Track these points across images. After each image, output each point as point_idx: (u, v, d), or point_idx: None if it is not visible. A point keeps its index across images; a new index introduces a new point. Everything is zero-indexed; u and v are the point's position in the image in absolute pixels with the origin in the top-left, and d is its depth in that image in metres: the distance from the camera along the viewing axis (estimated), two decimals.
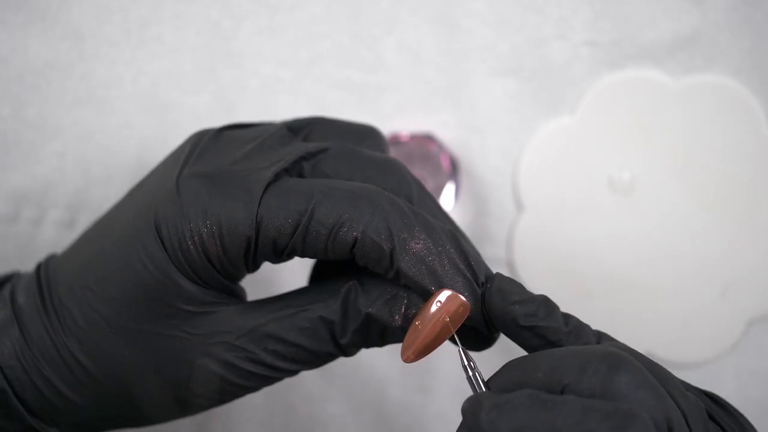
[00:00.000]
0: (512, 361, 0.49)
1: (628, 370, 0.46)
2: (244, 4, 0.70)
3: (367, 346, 0.53)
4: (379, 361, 0.73)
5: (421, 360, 0.72)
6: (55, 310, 0.53)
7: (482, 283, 0.50)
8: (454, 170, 0.70)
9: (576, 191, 0.70)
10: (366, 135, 0.57)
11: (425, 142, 0.70)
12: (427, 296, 0.50)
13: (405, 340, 0.50)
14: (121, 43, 0.69)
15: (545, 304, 0.50)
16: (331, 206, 0.50)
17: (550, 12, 0.70)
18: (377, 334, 0.52)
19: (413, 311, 0.51)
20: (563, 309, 0.72)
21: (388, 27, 0.70)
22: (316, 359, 0.53)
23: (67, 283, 0.53)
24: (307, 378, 0.73)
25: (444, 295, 0.50)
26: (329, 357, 0.53)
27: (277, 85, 0.70)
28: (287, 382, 0.72)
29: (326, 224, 0.50)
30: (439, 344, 0.50)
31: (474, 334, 0.52)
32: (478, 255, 0.52)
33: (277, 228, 0.50)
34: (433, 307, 0.50)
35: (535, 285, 0.71)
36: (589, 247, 0.71)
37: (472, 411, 0.46)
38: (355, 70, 0.70)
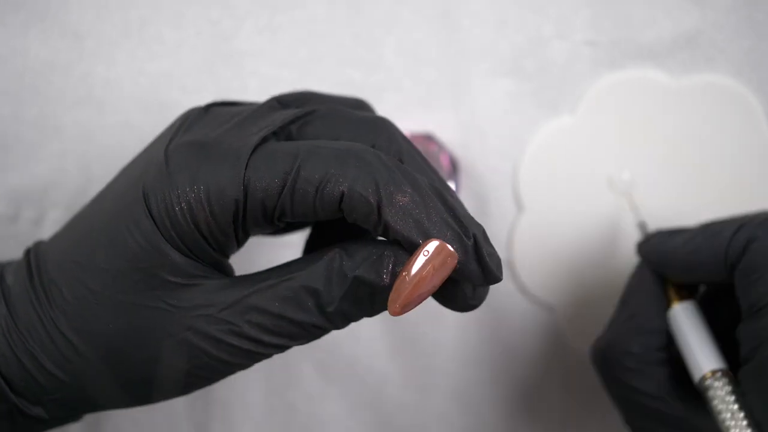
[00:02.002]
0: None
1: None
2: (244, 4, 0.70)
3: (356, 316, 0.52)
4: (379, 360, 0.73)
5: (420, 358, 0.73)
6: (42, 286, 0.53)
7: (473, 235, 0.50)
8: (454, 170, 0.70)
9: (576, 191, 0.70)
10: (355, 106, 0.57)
11: (425, 142, 0.70)
12: (415, 248, 0.49)
13: (392, 293, 0.49)
14: (121, 43, 0.69)
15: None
16: (317, 163, 0.49)
17: (550, 12, 0.70)
18: (366, 298, 0.51)
19: (401, 269, 0.50)
20: (563, 309, 0.72)
21: (388, 27, 0.70)
22: (303, 332, 0.51)
23: (56, 260, 0.53)
24: (307, 377, 0.73)
25: (432, 245, 0.49)
26: (316, 330, 0.51)
27: (277, 85, 0.70)
28: (287, 381, 0.73)
29: (312, 181, 0.49)
30: (427, 296, 0.49)
31: (459, 293, 0.51)
32: (465, 210, 0.51)
33: (265, 188, 0.50)
34: (420, 257, 0.49)
35: (535, 285, 0.71)
36: (589, 246, 0.71)
37: None
38: (355, 70, 0.70)
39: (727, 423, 0.56)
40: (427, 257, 0.49)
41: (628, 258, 0.70)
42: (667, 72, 0.70)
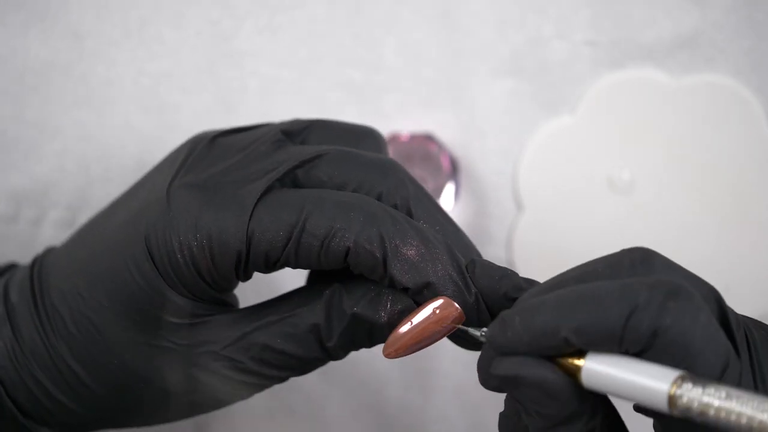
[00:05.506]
0: (529, 291, 0.48)
1: (658, 256, 0.46)
2: (244, 4, 0.70)
3: (356, 348, 0.53)
4: (379, 361, 0.73)
5: (421, 360, 0.73)
6: (46, 312, 0.53)
7: (474, 293, 0.50)
8: (454, 170, 0.70)
9: (576, 191, 0.70)
10: (364, 136, 0.57)
11: (425, 142, 0.70)
12: (419, 298, 0.50)
13: (391, 336, 0.50)
14: (121, 43, 0.69)
15: (516, 274, 0.51)
16: (322, 217, 0.50)
17: (550, 12, 0.70)
18: (364, 334, 0.52)
19: (398, 307, 0.51)
20: None
21: (389, 27, 0.70)
22: (304, 365, 0.52)
23: (58, 286, 0.53)
24: (307, 378, 0.73)
25: (440, 302, 0.49)
26: (317, 362, 0.53)
27: (277, 85, 0.70)
28: (287, 383, 0.72)
29: (318, 235, 0.50)
30: (423, 348, 0.50)
31: (469, 338, 0.52)
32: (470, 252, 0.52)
33: (269, 241, 0.50)
34: (426, 310, 0.49)
35: None
36: (589, 246, 0.71)
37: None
38: (356, 70, 0.70)
39: (736, 413, 0.44)
40: (432, 312, 0.50)
41: None
42: (667, 72, 0.70)
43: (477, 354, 0.72)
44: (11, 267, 0.58)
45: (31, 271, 0.54)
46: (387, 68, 0.70)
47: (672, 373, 0.45)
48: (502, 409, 0.73)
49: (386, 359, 0.72)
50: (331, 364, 0.72)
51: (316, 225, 0.50)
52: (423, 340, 0.50)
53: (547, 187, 0.70)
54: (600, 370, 0.46)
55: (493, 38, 0.70)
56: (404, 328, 0.50)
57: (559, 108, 0.70)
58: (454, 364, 0.72)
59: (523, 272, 0.71)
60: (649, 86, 0.70)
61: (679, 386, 0.44)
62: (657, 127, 0.70)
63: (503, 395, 0.73)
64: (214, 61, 0.70)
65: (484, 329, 0.49)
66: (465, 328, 0.50)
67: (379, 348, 0.72)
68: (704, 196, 0.70)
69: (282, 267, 0.51)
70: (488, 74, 0.70)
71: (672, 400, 0.44)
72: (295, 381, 0.72)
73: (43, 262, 0.55)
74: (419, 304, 0.50)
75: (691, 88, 0.70)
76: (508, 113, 0.70)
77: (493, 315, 0.51)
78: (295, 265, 0.51)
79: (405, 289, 0.50)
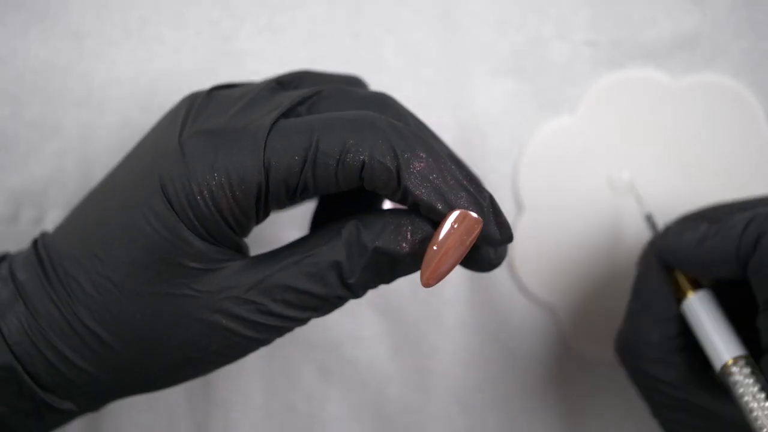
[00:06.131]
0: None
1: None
2: (244, 4, 0.70)
3: (376, 284, 0.53)
4: (379, 361, 0.73)
5: (421, 360, 0.73)
6: (60, 281, 0.53)
7: (487, 196, 0.51)
8: None
9: (576, 191, 0.70)
10: (352, 83, 0.58)
11: None
12: (434, 213, 0.51)
13: (423, 265, 0.51)
14: (121, 43, 0.69)
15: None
16: (334, 135, 0.50)
17: (550, 12, 0.70)
18: (386, 268, 0.52)
19: (419, 236, 0.51)
20: (563, 309, 0.72)
21: (388, 27, 0.70)
22: (326, 304, 0.53)
23: (70, 253, 0.53)
24: (307, 378, 0.73)
25: (455, 215, 0.50)
26: (338, 300, 0.53)
27: None
28: (287, 382, 0.73)
29: (333, 154, 0.50)
30: (455, 264, 0.51)
31: (480, 256, 0.53)
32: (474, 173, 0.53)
33: (286, 168, 0.51)
34: (446, 227, 0.50)
35: (535, 285, 0.71)
36: (589, 247, 0.71)
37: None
38: (356, 70, 0.70)
39: (753, 410, 0.56)
40: (453, 227, 0.50)
41: (628, 257, 0.70)
42: (667, 72, 0.70)
43: (477, 353, 0.72)
44: (5, 255, 0.58)
45: (35, 249, 0.55)
46: (387, 68, 0.70)
47: (737, 352, 0.57)
48: (502, 409, 0.73)
49: (387, 358, 0.73)
50: (331, 363, 0.73)
51: (329, 144, 0.50)
52: (453, 256, 0.50)
53: (547, 187, 0.70)
54: (698, 308, 0.60)
55: (493, 38, 0.70)
56: (432, 253, 0.50)
57: (559, 108, 0.71)
58: (454, 364, 0.73)
59: (523, 272, 0.71)
60: (649, 86, 0.70)
61: (736, 365, 0.57)
62: (657, 127, 0.70)
63: (503, 399, 0.74)
64: (214, 61, 0.70)
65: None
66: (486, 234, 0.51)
67: (379, 349, 0.72)
68: (704, 196, 0.70)
69: (302, 197, 0.52)
70: (488, 74, 0.70)
71: (724, 368, 0.57)
72: (295, 380, 0.73)
73: (45, 239, 0.55)
74: (436, 224, 0.51)
75: (691, 88, 0.70)
76: (508, 113, 0.70)
77: None
78: (314, 189, 0.51)
79: (417, 206, 0.51)
